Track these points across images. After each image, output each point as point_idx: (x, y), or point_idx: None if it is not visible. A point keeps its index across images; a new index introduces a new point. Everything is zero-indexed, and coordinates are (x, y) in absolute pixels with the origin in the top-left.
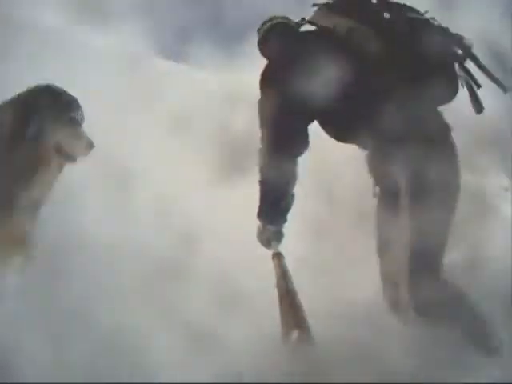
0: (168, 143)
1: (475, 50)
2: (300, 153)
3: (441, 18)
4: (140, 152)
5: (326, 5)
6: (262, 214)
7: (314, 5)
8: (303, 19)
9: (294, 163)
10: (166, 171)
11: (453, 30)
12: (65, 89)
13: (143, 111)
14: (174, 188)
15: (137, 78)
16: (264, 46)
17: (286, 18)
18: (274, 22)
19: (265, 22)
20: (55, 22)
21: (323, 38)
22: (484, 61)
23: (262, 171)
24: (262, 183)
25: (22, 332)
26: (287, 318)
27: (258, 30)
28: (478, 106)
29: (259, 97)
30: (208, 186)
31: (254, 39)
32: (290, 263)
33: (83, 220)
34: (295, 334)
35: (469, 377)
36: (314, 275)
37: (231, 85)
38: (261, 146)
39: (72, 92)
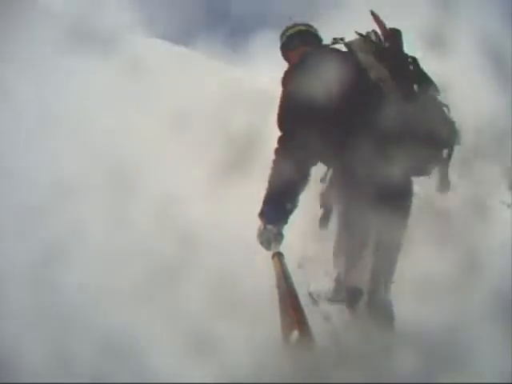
0: (168, 143)
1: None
2: (313, 163)
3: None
4: (140, 152)
5: (369, 39)
6: (264, 214)
7: (359, 34)
8: (341, 39)
9: (306, 170)
10: (167, 171)
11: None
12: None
13: (143, 111)
14: (175, 188)
15: (137, 76)
16: (286, 50)
17: (311, 27)
18: (300, 28)
19: (288, 28)
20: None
21: (349, 62)
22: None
23: (273, 172)
24: (271, 184)
25: (22, 333)
26: (287, 319)
27: (282, 34)
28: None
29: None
30: (208, 186)
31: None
32: (290, 263)
33: (83, 220)
34: (295, 335)
35: (468, 376)
36: (314, 275)
37: (232, 85)
38: (277, 146)
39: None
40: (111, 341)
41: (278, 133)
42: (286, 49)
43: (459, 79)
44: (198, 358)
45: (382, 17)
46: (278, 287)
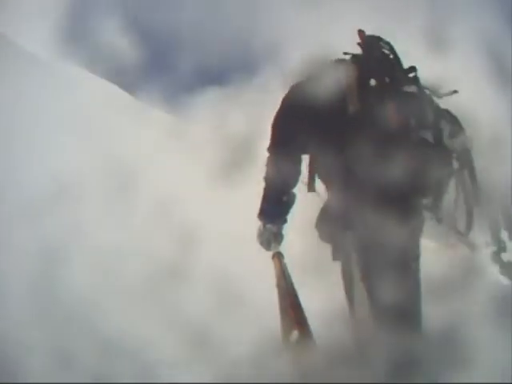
0: (168, 143)
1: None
2: (303, 152)
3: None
4: (140, 152)
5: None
6: (262, 213)
7: (346, 53)
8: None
9: (298, 160)
10: (166, 171)
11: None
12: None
13: (143, 111)
14: (174, 188)
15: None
16: None
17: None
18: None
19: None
20: None
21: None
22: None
23: (267, 168)
24: (266, 179)
25: (24, 333)
26: (287, 318)
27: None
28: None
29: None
30: (208, 187)
31: None
32: (290, 263)
33: (83, 220)
34: (295, 334)
35: (468, 376)
36: (314, 275)
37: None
38: (270, 144)
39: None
40: (111, 341)
41: None
42: None
43: (459, 79)
44: (197, 357)
45: (382, 17)
46: (278, 287)
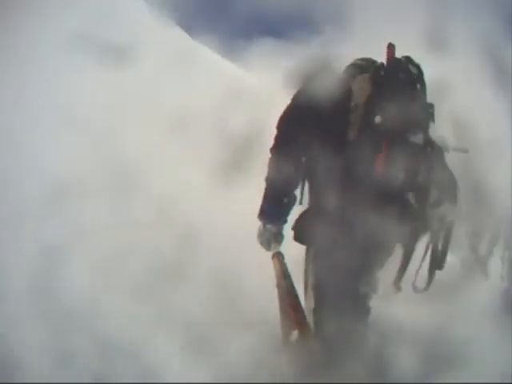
0: (168, 143)
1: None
2: (305, 154)
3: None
4: (140, 152)
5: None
6: (263, 213)
7: (372, 61)
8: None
9: (300, 162)
10: (166, 171)
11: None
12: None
13: (143, 111)
14: (174, 188)
15: (137, 76)
16: None
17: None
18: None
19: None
20: None
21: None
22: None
23: (269, 169)
24: (267, 180)
25: (23, 333)
26: (287, 318)
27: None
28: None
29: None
30: (208, 186)
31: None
32: (290, 263)
33: (83, 220)
34: (295, 334)
35: (468, 376)
36: None
37: (231, 84)
38: (273, 145)
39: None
40: (111, 341)
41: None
42: None
43: (459, 79)
44: (197, 357)
45: (382, 18)
46: (278, 287)
